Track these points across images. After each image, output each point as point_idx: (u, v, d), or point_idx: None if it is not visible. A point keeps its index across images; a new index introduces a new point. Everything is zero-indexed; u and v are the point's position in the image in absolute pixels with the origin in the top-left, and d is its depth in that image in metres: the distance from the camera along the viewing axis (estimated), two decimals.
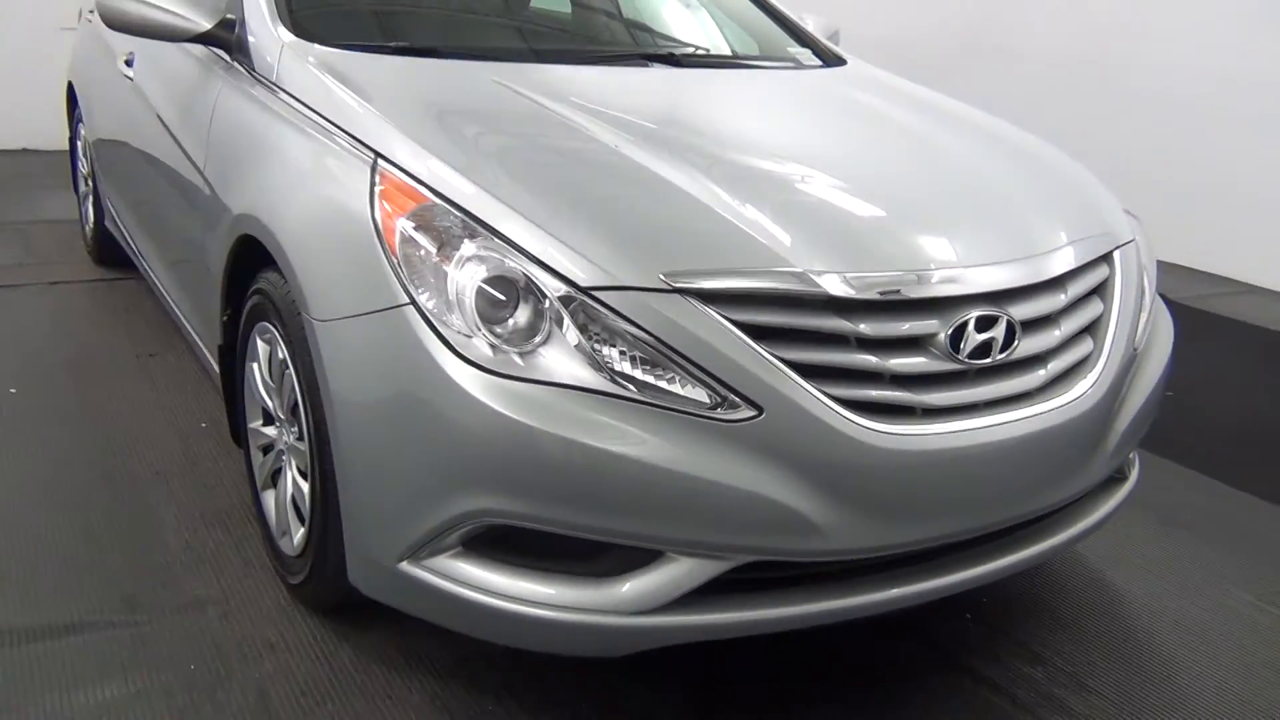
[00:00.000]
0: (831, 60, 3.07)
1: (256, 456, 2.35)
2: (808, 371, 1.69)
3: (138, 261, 3.58)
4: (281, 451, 2.22)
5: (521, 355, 1.66)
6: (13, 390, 3.20)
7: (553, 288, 1.66)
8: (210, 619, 2.16)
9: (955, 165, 2.33)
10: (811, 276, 1.73)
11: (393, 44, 2.49)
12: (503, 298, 1.68)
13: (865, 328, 1.74)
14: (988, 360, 1.83)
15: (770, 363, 1.66)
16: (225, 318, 2.41)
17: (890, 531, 1.77)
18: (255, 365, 2.27)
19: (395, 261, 1.73)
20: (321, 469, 1.91)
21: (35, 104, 6.71)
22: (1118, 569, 2.59)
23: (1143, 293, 2.21)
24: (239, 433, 2.49)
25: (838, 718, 1.99)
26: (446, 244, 1.72)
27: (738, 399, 1.65)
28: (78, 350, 3.56)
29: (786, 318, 1.71)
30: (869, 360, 1.74)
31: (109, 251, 4.32)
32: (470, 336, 1.67)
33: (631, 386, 1.64)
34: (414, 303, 1.70)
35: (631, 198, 1.88)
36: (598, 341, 1.65)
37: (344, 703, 1.94)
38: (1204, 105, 5.41)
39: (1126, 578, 2.56)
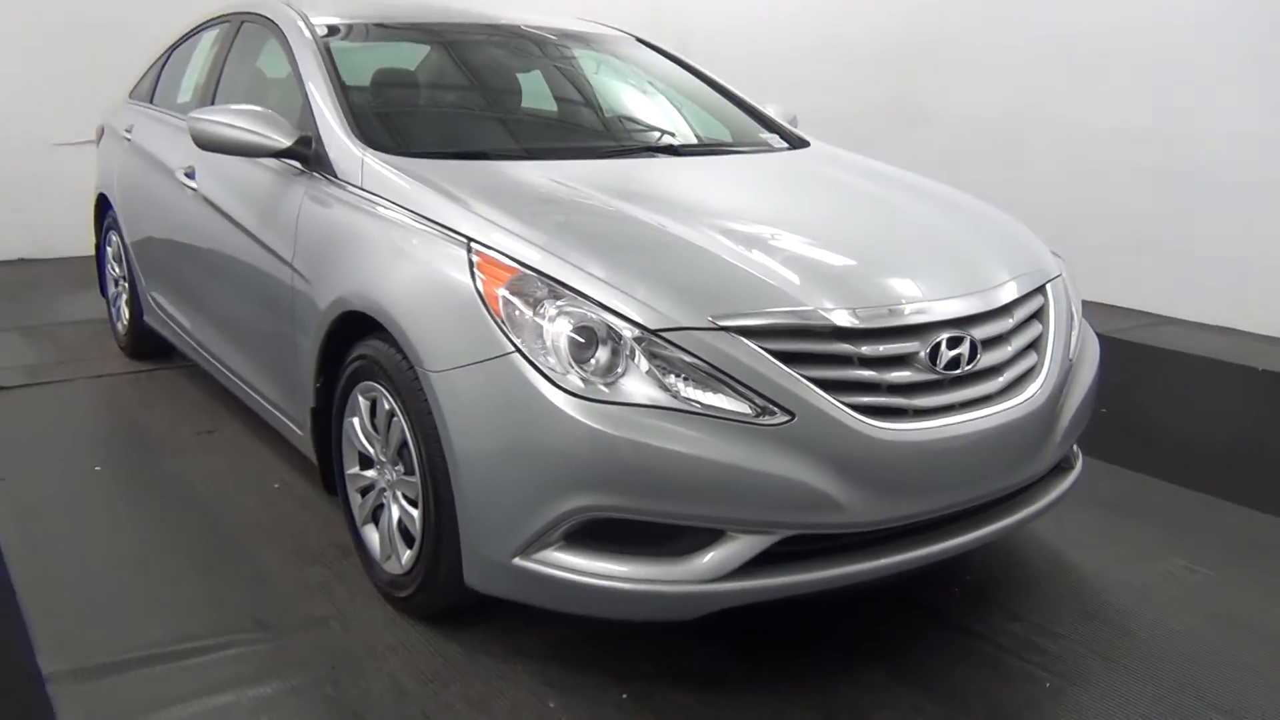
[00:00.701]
0: (796, 143, 3.65)
1: (355, 498, 2.80)
2: (824, 385, 2.21)
3: (190, 350, 4.01)
4: (383, 489, 2.67)
5: (606, 384, 2.16)
6: (98, 468, 3.60)
7: (627, 331, 2.17)
8: (334, 631, 2.59)
9: (913, 221, 2.89)
10: (821, 313, 2.25)
11: (448, 150, 3.00)
12: (585, 341, 2.18)
13: (864, 349, 2.27)
14: (958, 371, 2.37)
15: (797, 379, 2.18)
16: (318, 384, 2.87)
17: (896, 506, 2.27)
18: (355, 420, 2.72)
19: (499, 320, 2.23)
20: (435, 494, 2.37)
21: (31, 216, 7.14)
22: (1072, 548, 3.11)
23: (1071, 316, 2.77)
24: (331, 481, 2.94)
25: (864, 665, 2.46)
26: (539, 304, 2.23)
27: (774, 408, 2.15)
28: (141, 432, 3.97)
29: (805, 345, 2.23)
30: (869, 374, 2.27)
31: (145, 346, 4.74)
32: (565, 373, 2.16)
33: (692, 402, 2.14)
34: (518, 350, 2.19)
35: (674, 259, 2.40)
36: (664, 370, 2.16)
37: (464, 684, 2.38)
38: (1101, 158, 6.15)
39: (1080, 554, 3.09)
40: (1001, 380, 2.46)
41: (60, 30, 6.97)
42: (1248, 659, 2.57)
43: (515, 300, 2.24)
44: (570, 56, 3.86)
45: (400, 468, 2.57)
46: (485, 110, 3.56)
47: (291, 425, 3.15)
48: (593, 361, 2.18)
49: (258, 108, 3.02)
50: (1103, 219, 6.08)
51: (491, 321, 2.24)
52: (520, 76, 3.72)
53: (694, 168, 3.21)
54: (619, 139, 3.49)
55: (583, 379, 2.16)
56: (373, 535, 2.74)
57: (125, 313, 4.80)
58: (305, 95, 3.15)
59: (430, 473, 2.38)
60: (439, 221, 2.49)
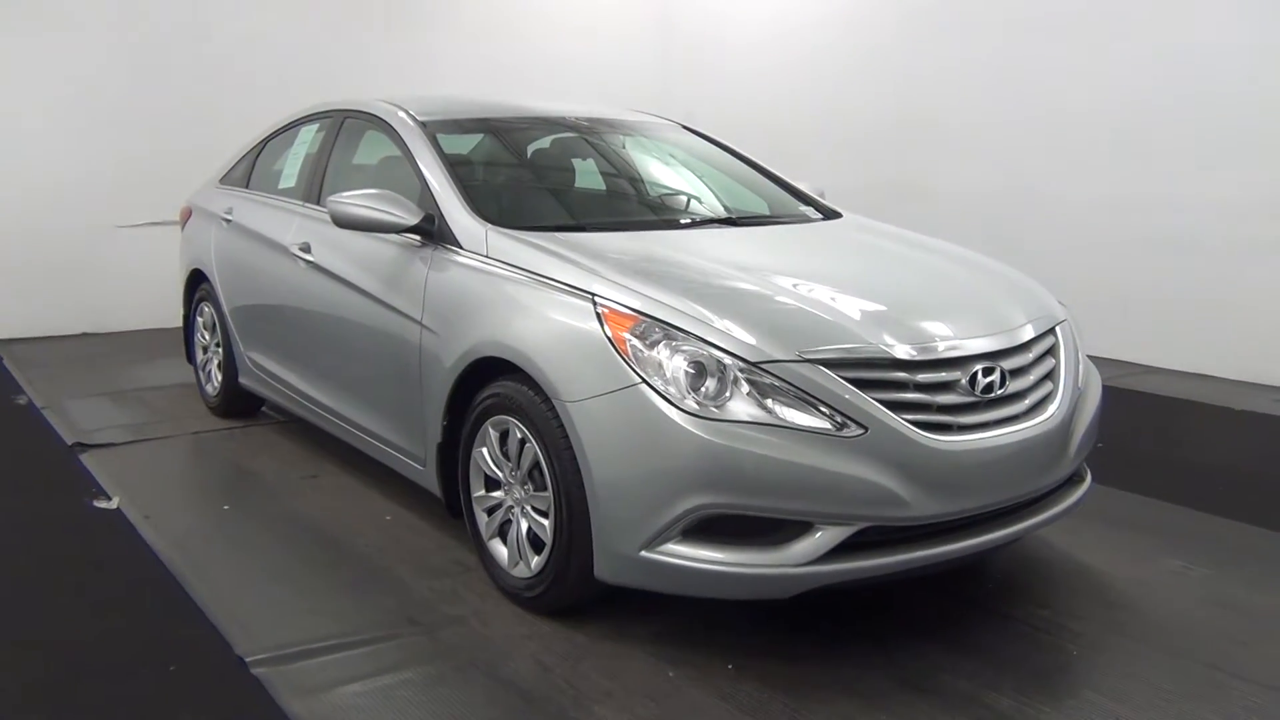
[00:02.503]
0: (829, 214, 4.24)
1: (481, 518, 3.32)
2: (888, 405, 2.76)
3: (293, 404, 4.54)
4: (510, 507, 3.20)
5: (716, 406, 2.70)
6: (226, 507, 4.10)
7: (732, 364, 2.72)
8: (473, 626, 3.08)
9: (943, 275, 3.48)
10: (884, 348, 2.82)
11: (549, 224, 3.59)
12: (696, 373, 2.73)
13: (919, 377, 2.83)
14: (991, 395, 2.93)
15: (868, 400, 2.73)
16: (445, 422, 3.40)
17: (948, 503, 2.81)
18: (484, 450, 3.25)
19: (626, 358, 2.78)
20: (568, 504, 2.90)
21: (92, 294, 7.67)
22: (1084, 553, 3.65)
23: (1077, 352, 3.35)
24: (454, 506, 3.45)
25: (923, 641, 2.98)
26: (658, 344, 2.78)
27: (852, 423, 2.70)
28: (252, 478, 4.47)
29: (871, 373, 2.79)
30: (922, 397, 2.82)
31: (236, 405, 5.26)
32: (683, 399, 2.71)
33: (786, 420, 2.69)
34: (644, 382, 2.74)
35: (760, 306, 2.97)
36: (762, 393, 2.71)
37: (595, 661, 2.87)
38: (1085, 226, 6.83)
39: (1092, 558, 3.62)
40: (1026, 403, 3.02)
41: (119, 117, 7.55)
42: (1240, 634, 3.09)
43: (638, 342, 2.80)
44: (630, 141, 4.46)
45: (530, 486, 3.09)
46: (569, 189, 4.14)
47: (411, 462, 3.67)
48: (704, 388, 2.72)
49: (387, 191, 3.59)
50: (1089, 280, 6.71)
51: (620, 360, 2.79)
52: (592, 160, 4.33)
53: (752, 235, 3.80)
54: (685, 212, 4.08)
55: (697, 402, 2.70)
56: (499, 547, 3.25)
57: (217, 376, 5.31)
58: (423, 180, 3.72)
59: (564, 487, 2.90)
60: (564, 281, 3.05)
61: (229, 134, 5.93)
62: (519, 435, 3.08)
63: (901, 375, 2.82)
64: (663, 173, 4.37)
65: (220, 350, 5.21)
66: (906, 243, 3.84)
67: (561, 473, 2.90)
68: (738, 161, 4.54)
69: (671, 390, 2.71)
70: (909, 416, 2.77)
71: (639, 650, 2.93)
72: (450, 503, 3.49)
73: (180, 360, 5.82)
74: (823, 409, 2.70)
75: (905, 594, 3.23)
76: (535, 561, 3.08)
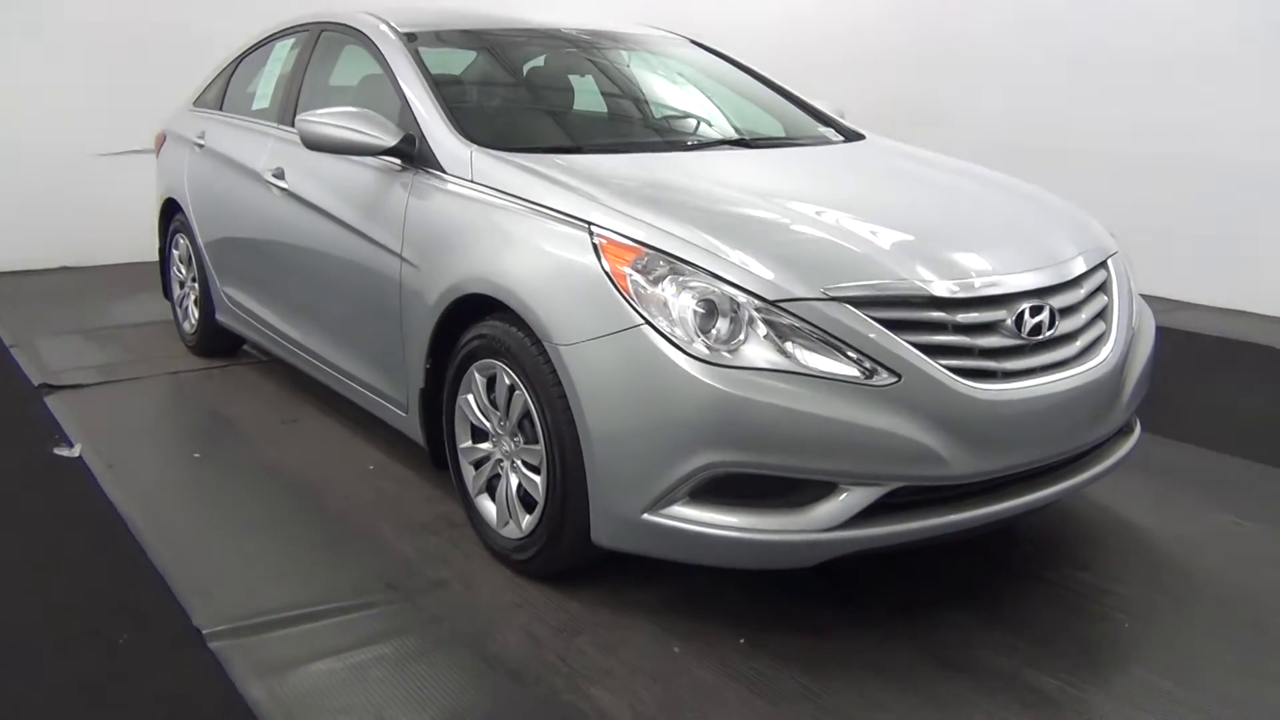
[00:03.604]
0: (851, 135, 3.87)
1: (468, 471, 3.00)
2: (924, 349, 2.42)
3: (270, 343, 4.21)
4: (499, 460, 2.88)
5: (728, 351, 2.37)
6: (196, 455, 3.80)
7: (748, 302, 2.38)
8: (458, 591, 2.79)
9: (981, 203, 3.12)
10: (920, 284, 2.47)
11: (542, 145, 3.22)
12: (706, 313, 2.39)
13: (958, 317, 2.49)
14: (1040, 337, 2.58)
15: (901, 344, 2.39)
16: (428, 366, 3.08)
17: (991, 460, 2.49)
18: (469, 397, 2.93)
19: (627, 296, 2.44)
20: (562, 460, 2.58)
21: (71, 226, 7.30)
22: (1126, 507, 3.34)
23: (1131, 290, 3.00)
24: (439, 457, 3.14)
25: (956, 611, 2.68)
26: (663, 280, 2.44)
27: (883, 370, 2.37)
28: (227, 423, 4.16)
29: (905, 313, 2.45)
30: (962, 340, 2.48)
31: (214, 344, 4.93)
32: (691, 342, 2.38)
33: (808, 366, 2.35)
34: (648, 323, 2.40)
35: (780, 236, 2.63)
36: (781, 336, 2.37)
37: (592, 634, 2.58)
38: (1113, 155, 6.41)
39: (1134, 513, 3.31)
40: (1077, 345, 2.68)
41: (95, 41, 7.14)
42: None
43: (640, 277, 2.45)
44: (634, 58, 4.07)
45: (520, 438, 2.77)
46: (566, 109, 3.77)
47: (393, 408, 3.35)
48: (715, 331, 2.39)
49: (363, 109, 3.23)
50: (1118, 213, 6.30)
51: (620, 298, 2.45)
52: (591, 78, 3.94)
53: (769, 158, 3.43)
54: (694, 134, 3.71)
55: (707, 346, 2.37)
56: (487, 504, 2.94)
57: (194, 312, 4.98)
58: (403, 98, 3.35)
59: (557, 440, 2.58)
60: (556, 209, 2.70)
61: (214, 55, 5.51)
62: (507, 382, 2.75)
63: (939, 315, 2.48)
64: (669, 91, 3.99)
65: (196, 285, 4.88)
66: (938, 167, 3.48)
67: (554, 424, 2.58)
68: (751, 79, 4.16)
69: (678, 332, 2.38)
70: (947, 362, 2.43)
71: (641, 621, 2.64)
72: (434, 454, 3.18)
73: (161, 296, 5.48)
74: (850, 354, 2.37)
75: (930, 556, 2.93)
76: (526, 521, 2.77)
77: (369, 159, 3.31)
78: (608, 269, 2.49)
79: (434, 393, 3.10)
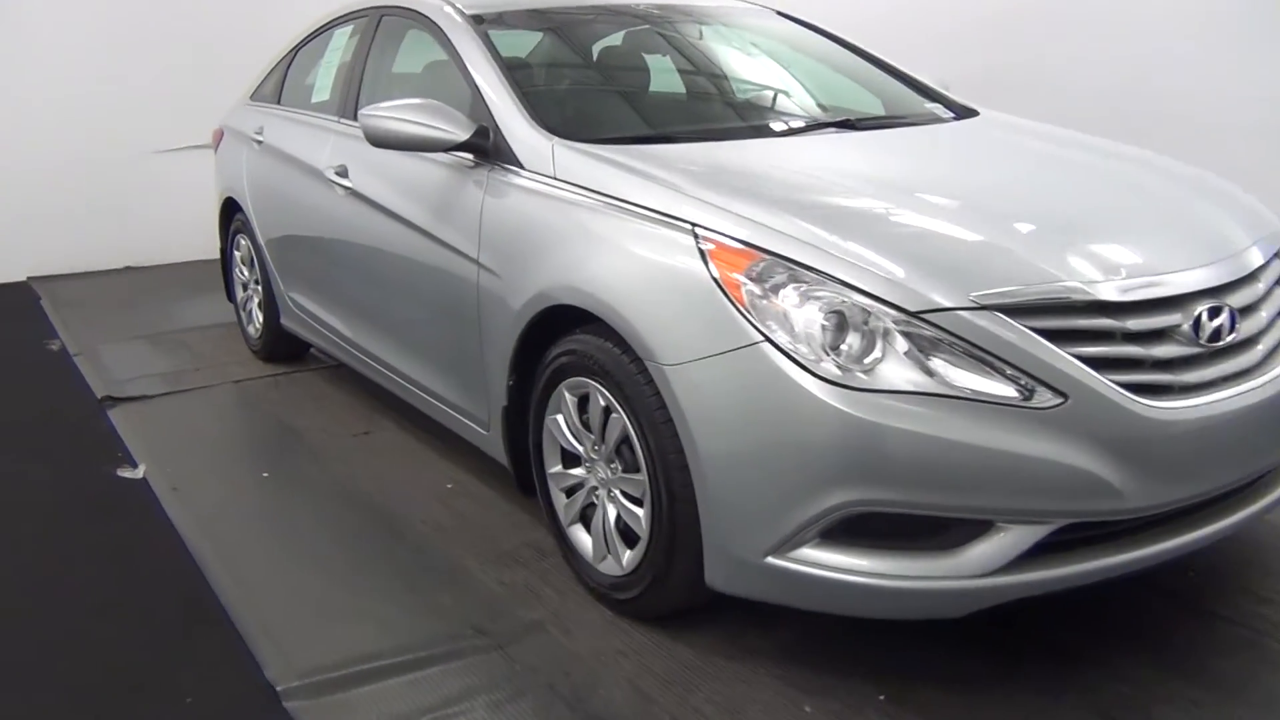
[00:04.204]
0: (962, 111, 3.49)
1: (559, 498, 2.72)
2: (1091, 363, 2.07)
3: (340, 352, 3.96)
4: (594, 488, 2.58)
5: (863, 371, 2.04)
6: (265, 474, 3.56)
7: (886, 314, 2.05)
8: (555, 637, 2.50)
9: (1133, 187, 2.74)
10: (1083, 287, 2.12)
11: (629, 135, 2.90)
12: (836, 327, 2.07)
13: (1129, 324, 2.13)
14: (1221, 343, 2.22)
15: (1067, 359, 2.05)
16: (511, 382, 2.79)
17: (1171, 490, 2.14)
18: (559, 417, 2.64)
19: (742, 308, 2.12)
20: (668, 492, 2.28)
21: (134, 225, 7.15)
22: None
23: None
24: (525, 481, 2.86)
25: (1125, 658, 2.33)
26: (783, 289, 2.11)
27: (1045, 389, 2.03)
28: (296, 436, 3.92)
29: (1070, 321, 2.10)
30: (1134, 350, 2.13)
31: (280, 349, 4.71)
32: (819, 361, 2.05)
33: (958, 387, 2.02)
34: (768, 340, 2.08)
35: (914, 236, 2.28)
36: (925, 352, 2.04)
37: (708, 689, 2.28)
38: (1214, 122, 5.87)
39: None
40: (1260, 350, 2.31)
41: (154, 38, 6.96)
42: None
43: (757, 286, 2.13)
44: (716, 33, 3.73)
45: (618, 465, 2.47)
46: (649, 93, 3.44)
47: (473, 425, 3.08)
48: (847, 347, 2.06)
49: (430, 101, 2.93)
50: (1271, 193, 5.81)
51: (734, 310, 2.13)
52: (671, 58, 3.61)
53: (881, 141, 3.07)
54: (792, 116, 3.36)
55: (839, 366, 2.04)
56: (582, 536, 2.66)
57: (258, 316, 4.76)
58: (474, 86, 3.06)
59: (662, 470, 2.28)
60: (653, 208, 2.39)
61: (271, 48, 5.27)
62: (602, 403, 2.46)
63: (1107, 323, 2.12)
64: (758, 69, 3.64)
65: (259, 288, 4.65)
66: (1073, 145, 3.09)
67: (659, 453, 2.28)
68: (846, 52, 3.79)
69: (803, 350, 2.06)
70: (1117, 377, 2.08)
71: (763, 673, 2.34)
72: (520, 477, 2.89)
73: (224, 295, 5.27)
74: (1007, 371, 2.03)
75: (1086, 588, 2.56)
76: (628, 558, 2.48)
77: (439, 155, 3.02)
78: (717, 277, 2.17)
79: (518, 411, 2.82)
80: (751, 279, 2.14)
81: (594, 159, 2.63)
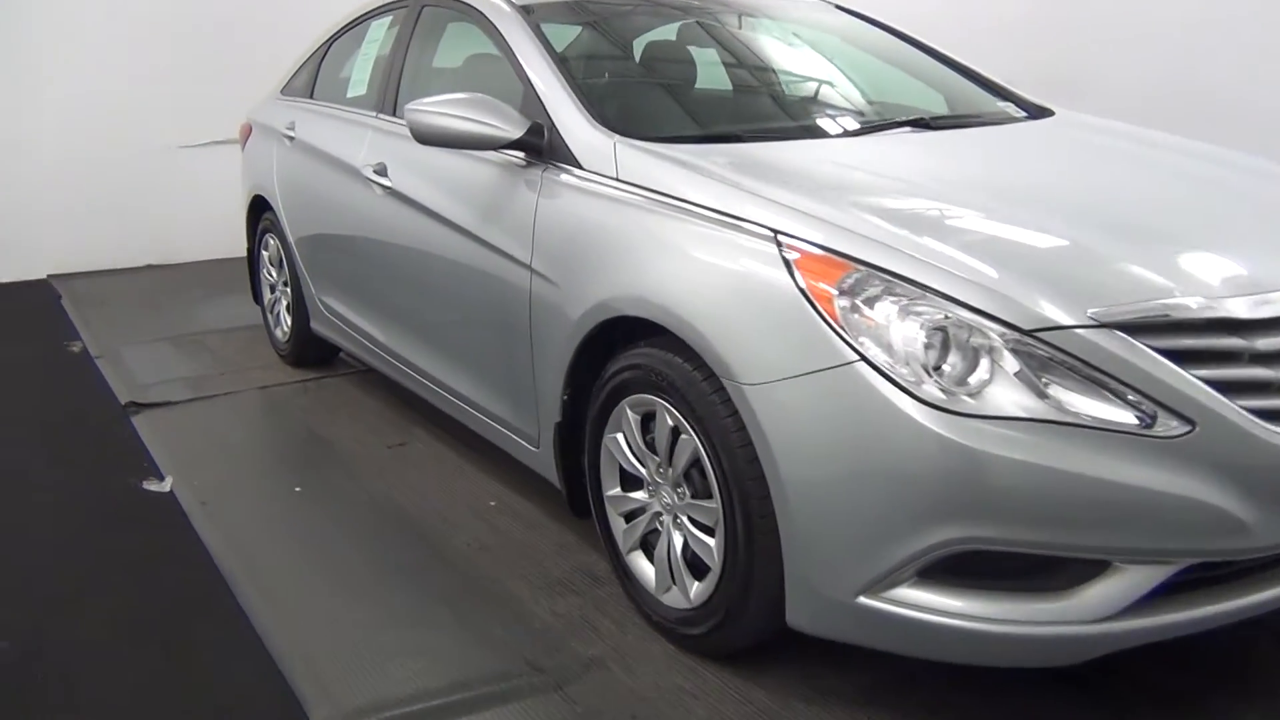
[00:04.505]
0: (1035, 110, 3.29)
1: (617, 523, 2.54)
2: (1219, 387, 1.88)
3: (376, 359, 3.78)
4: (658, 514, 2.40)
5: (970, 394, 1.85)
6: (298, 489, 3.39)
7: (995, 332, 1.86)
8: (616, 674, 2.32)
9: (1239, 192, 2.54)
10: (1210, 303, 1.92)
11: (695, 134, 2.72)
12: (941, 346, 1.88)
13: (1258, 344, 1.94)
14: None
15: (1194, 383, 1.85)
16: (565, 397, 2.61)
17: None
18: (619, 436, 2.45)
19: (835, 324, 1.93)
20: (745, 522, 2.09)
21: (156, 222, 7.00)
22: None
23: None
24: (578, 502, 2.68)
25: (1227, 694, 2.14)
26: (881, 302, 1.93)
27: (1169, 415, 1.83)
28: (328, 447, 3.75)
29: (1195, 341, 1.91)
30: (1262, 373, 1.93)
31: (309, 353, 4.54)
32: (920, 383, 1.86)
33: (1074, 413, 1.83)
34: (863, 359, 1.89)
35: (1017, 243, 2.09)
36: (1038, 375, 1.84)
37: None
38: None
39: None
40: None
41: (179, 31, 6.82)
42: None
43: (851, 300, 1.95)
44: (777, 26, 3.55)
45: (685, 490, 2.29)
46: (712, 89, 3.26)
47: (520, 441, 2.90)
48: (951, 368, 1.87)
49: (479, 95, 2.76)
50: None
51: (824, 325, 1.94)
52: (732, 50, 3.43)
53: (961, 142, 2.88)
54: (861, 114, 3.17)
55: (943, 389, 1.86)
56: (643, 564, 2.48)
57: (286, 319, 4.60)
58: (526, 80, 2.88)
59: (739, 498, 2.10)
60: (729, 213, 2.20)
61: (300, 41, 5.10)
62: (670, 423, 2.27)
63: (1235, 343, 1.93)
64: (821, 64, 3.45)
65: (289, 290, 4.48)
66: (1163, 147, 2.89)
67: (735, 479, 2.09)
68: (909, 47, 3.60)
69: (903, 371, 1.87)
70: (1247, 402, 1.88)
71: (845, 717, 2.14)
72: (573, 499, 2.71)
73: (249, 296, 5.11)
74: (1128, 396, 1.84)
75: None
76: (696, 590, 2.29)
77: (488, 153, 2.84)
78: (805, 289, 1.99)
79: (573, 427, 2.64)
80: (844, 291, 1.96)
81: (660, 159, 2.45)
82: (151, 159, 6.90)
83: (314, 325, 4.33)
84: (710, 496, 2.20)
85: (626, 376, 2.38)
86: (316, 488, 3.40)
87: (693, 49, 3.35)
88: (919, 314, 1.90)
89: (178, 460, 3.61)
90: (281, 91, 4.71)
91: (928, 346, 1.88)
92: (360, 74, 3.95)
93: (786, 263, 2.03)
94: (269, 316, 4.82)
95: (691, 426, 2.20)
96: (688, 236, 2.24)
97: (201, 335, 5.27)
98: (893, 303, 1.92)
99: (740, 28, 3.48)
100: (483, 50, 3.35)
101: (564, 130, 2.68)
